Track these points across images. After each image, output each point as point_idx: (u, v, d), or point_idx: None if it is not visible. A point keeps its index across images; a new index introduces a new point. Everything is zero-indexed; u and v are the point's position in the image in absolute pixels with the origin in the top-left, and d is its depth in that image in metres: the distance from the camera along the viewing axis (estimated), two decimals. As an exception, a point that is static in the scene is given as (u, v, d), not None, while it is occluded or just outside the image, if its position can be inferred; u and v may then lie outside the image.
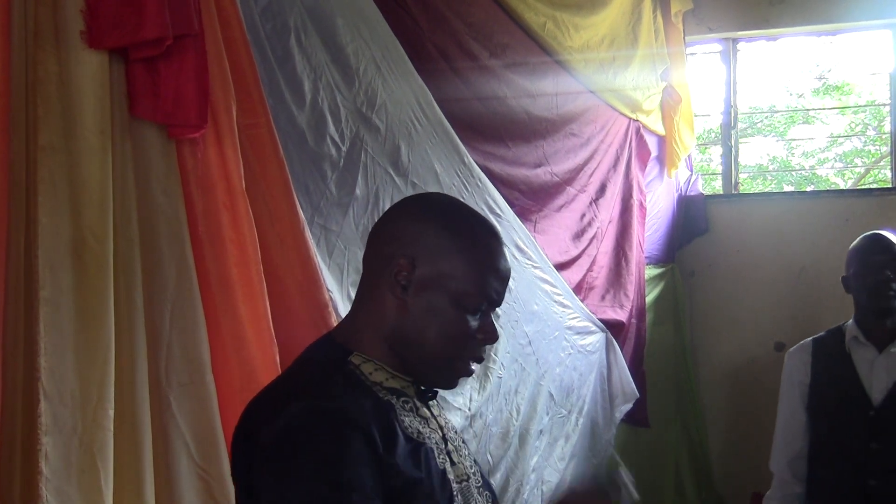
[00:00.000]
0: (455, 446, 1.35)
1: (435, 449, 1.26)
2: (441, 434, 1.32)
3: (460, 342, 1.27)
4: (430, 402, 1.36)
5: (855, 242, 2.64)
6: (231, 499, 1.41)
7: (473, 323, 1.28)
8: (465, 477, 1.32)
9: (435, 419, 1.34)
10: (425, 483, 1.21)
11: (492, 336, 1.30)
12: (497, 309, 1.37)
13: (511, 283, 2.90)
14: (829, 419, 2.61)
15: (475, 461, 1.40)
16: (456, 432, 1.40)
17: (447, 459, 1.29)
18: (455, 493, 1.26)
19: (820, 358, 2.66)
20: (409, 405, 1.28)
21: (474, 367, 1.32)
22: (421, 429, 1.26)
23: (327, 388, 1.21)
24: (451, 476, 1.27)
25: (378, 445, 1.16)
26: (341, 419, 1.15)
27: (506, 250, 1.35)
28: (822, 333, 2.73)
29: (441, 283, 1.26)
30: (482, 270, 1.28)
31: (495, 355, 2.83)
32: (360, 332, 1.30)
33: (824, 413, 2.62)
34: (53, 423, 1.39)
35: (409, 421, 1.25)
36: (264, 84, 1.84)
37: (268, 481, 1.15)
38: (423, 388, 1.35)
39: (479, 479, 1.37)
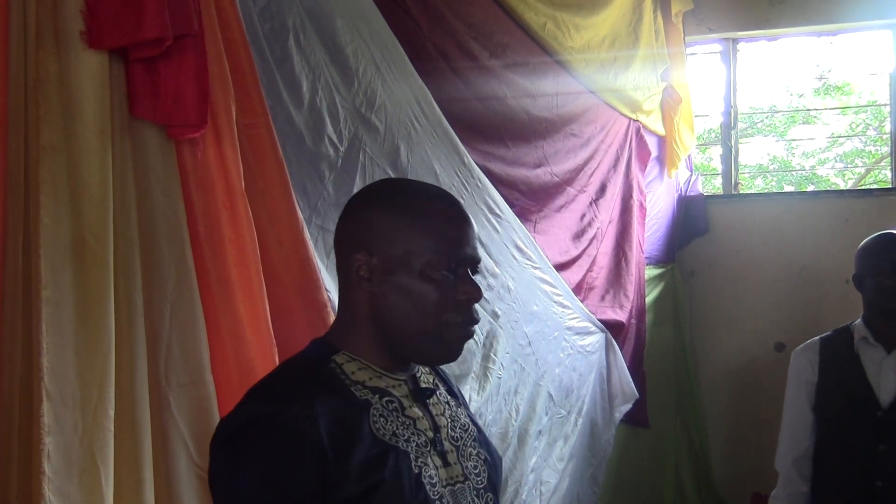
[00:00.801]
0: (457, 446, 1.33)
1: (413, 452, 1.25)
2: (431, 435, 1.30)
3: (442, 311, 1.26)
4: (431, 401, 1.35)
5: (869, 241, 2.61)
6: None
7: (450, 288, 1.27)
8: (461, 478, 1.31)
9: (432, 418, 1.32)
10: (389, 485, 1.20)
11: (474, 294, 1.29)
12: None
13: (511, 283, 2.93)
14: (835, 419, 2.60)
15: (485, 461, 1.38)
16: (466, 431, 1.38)
17: (434, 462, 1.27)
18: (439, 495, 1.25)
19: (828, 358, 2.64)
20: (394, 405, 1.27)
21: (470, 332, 1.31)
22: (398, 431, 1.25)
23: (287, 390, 1.22)
24: (433, 479, 1.25)
25: (325, 451, 1.16)
26: (286, 426, 1.16)
27: (470, 215, 1.34)
28: (829, 333, 2.71)
29: (402, 263, 1.26)
30: (437, 235, 1.27)
31: (494, 356, 2.83)
32: (346, 333, 1.31)
33: (831, 413, 2.61)
34: (55, 423, 1.39)
35: (383, 422, 1.24)
36: (263, 84, 1.84)
37: (214, 480, 1.20)
38: (421, 386, 1.35)
39: (483, 479, 1.35)
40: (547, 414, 3.29)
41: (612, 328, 3.87)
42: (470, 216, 1.34)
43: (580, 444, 3.64)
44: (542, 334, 3.22)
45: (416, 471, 1.24)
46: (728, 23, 5.16)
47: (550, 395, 3.31)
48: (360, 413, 1.23)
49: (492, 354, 2.81)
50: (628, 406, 3.96)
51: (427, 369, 1.41)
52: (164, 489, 1.57)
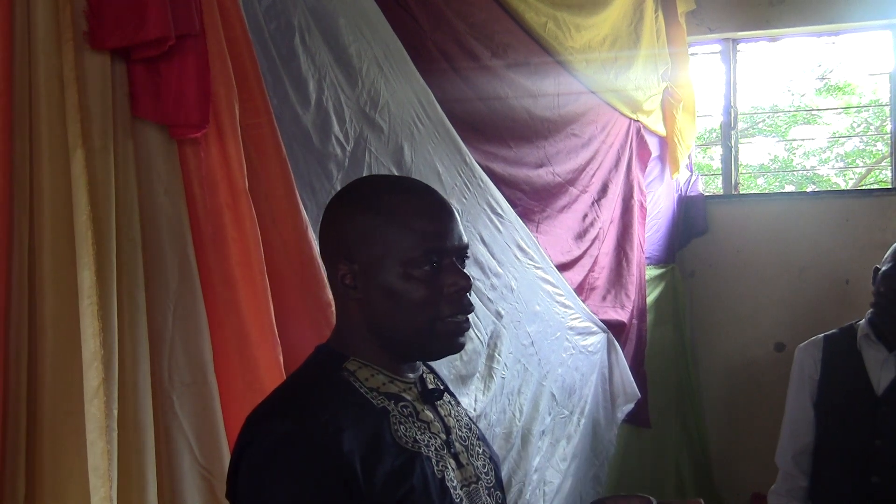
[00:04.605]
0: (466, 446, 1.33)
1: (434, 456, 1.24)
2: (445, 437, 1.29)
3: (432, 307, 1.23)
4: (438, 402, 1.34)
5: None
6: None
7: (436, 282, 1.24)
8: (475, 479, 1.30)
9: (442, 420, 1.32)
10: (419, 493, 1.19)
11: (462, 283, 1.25)
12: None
13: (513, 283, 2.93)
14: (835, 416, 2.62)
15: (490, 459, 1.37)
16: (470, 430, 1.38)
17: (451, 464, 1.27)
18: (459, 498, 1.25)
19: (830, 355, 2.67)
20: (408, 410, 1.26)
21: (465, 322, 1.27)
22: (418, 436, 1.24)
23: (307, 404, 1.19)
24: (454, 482, 1.25)
25: (352, 464, 1.14)
26: (311, 441, 1.14)
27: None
28: (834, 331, 2.74)
29: (381, 264, 1.23)
30: (412, 231, 1.23)
31: (499, 356, 2.83)
32: (348, 340, 1.29)
33: (831, 409, 2.63)
34: None
35: (403, 429, 1.23)
36: (268, 84, 1.83)
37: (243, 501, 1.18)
38: (429, 387, 1.34)
39: (492, 478, 1.34)
40: (550, 414, 3.29)
41: (614, 328, 3.87)
42: (449, 204, 1.30)
43: (583, 443, 3.64)
44: (545, 334, 3.22)
45: (440, 475, 1.23)
46: (728, 23, 5.16)
47: (553, 395, 3.31)
48: (380, 421, 1.21)
49: (496, 354, 2.81)
50: (630, 406, 3.96)
51: (428, 369, 1.41)
52: (168, 489, 1.57)
